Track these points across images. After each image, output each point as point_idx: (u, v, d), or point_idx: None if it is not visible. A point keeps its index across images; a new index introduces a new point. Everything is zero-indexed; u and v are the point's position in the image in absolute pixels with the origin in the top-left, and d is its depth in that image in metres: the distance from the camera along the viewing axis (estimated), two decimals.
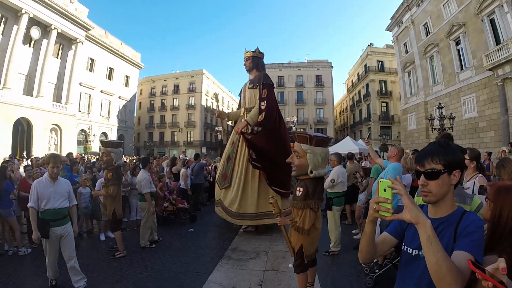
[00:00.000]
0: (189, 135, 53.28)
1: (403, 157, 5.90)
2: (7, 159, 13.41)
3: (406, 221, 1.37)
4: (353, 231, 7.61)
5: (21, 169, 9.98)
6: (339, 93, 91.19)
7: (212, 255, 5.95)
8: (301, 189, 3.42)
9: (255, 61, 7.74)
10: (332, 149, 24.40)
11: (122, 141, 32.74)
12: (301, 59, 61.47)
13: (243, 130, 7.16)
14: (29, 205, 4.36)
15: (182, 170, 10.49)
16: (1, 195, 6.18)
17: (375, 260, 4.63)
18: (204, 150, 46.34)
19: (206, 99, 54.47)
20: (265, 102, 7.16)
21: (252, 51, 7.77)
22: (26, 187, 6.40)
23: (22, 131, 28.84)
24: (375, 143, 32.39)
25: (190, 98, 53.37)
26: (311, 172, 3.35)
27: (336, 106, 59.96)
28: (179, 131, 53.40)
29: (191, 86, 53.76)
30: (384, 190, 1.39)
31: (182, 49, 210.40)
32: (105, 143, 6.55)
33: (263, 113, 7.07)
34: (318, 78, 51.87)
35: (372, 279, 4.48)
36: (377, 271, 4.63)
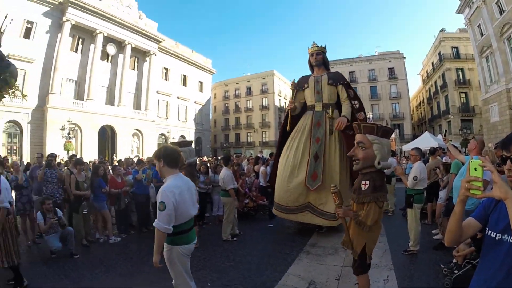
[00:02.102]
0: (264, 135, 53.36)
1: (484, 150, 5.40)
2: (97, 161, 15.14)
3: (496, 198, 1.42)
4: (433, 231, 6.93)
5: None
6: (414, 85, 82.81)
7: (291, 249, 5.96)
8: (367, 182, 3.19)
9: (325, 57, 7.67)
10: (411, 145, 22.48)
11: (192, 140, 33.59)
12: (371, 52, 57.83)
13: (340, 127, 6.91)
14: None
15: (262, 168, 10.57)
16: (95, 191, 7.01)
17: (454, 261, 4.41)
18: None
19: (279, 99, 54.21)
20: (357, 102, 7.22)
21: (323, 47, 7.65)
22: (115, 184, 7.46)
23: (107, 137, 32.10)
24: (455, 138, 28.88)
25: (263, 99, 53.59)
26: (379, 163, 3.15)
27: (412, 99, 54.43)
28: (254, 131, 53.82)
29: (263, 87, 53.97)
30: (475, 169, 1.40)
31: (251, 52, 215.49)
32: (178, 144, 6.88)
33: (361, 113, 7.15)
34: (391, 70, 47.37)
35: (450, 280, 4.18)
36: (456, 271, 4.27)
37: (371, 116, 38.40)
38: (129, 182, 7.94)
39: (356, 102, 7.17)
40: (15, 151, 25.90)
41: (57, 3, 27.69)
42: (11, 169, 7.51)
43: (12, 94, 2.68)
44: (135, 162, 10.87)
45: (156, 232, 2.84)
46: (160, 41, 37.02)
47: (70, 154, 17.48)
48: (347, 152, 6.28)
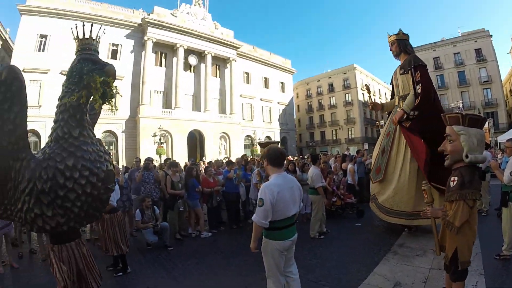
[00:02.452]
0: (349, 132, 51.06)
1: None
2: (190, 163, 16.34)
3: None
4: None
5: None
6: (504, 67, 67.03)
7: (378, 249, 5.88)
8: (456, 178, 2.95)
9: (401, 44, 6.99)
10: (506, 136, 19.20)
11: (278, 141, 35.15)
12: (454, 33, 51.69)
13: (399, 119, 6.58)
14: None
15: (349, 166, 10.49)
16: (189, 190, 7.73)
17: None
18: (366, 146, 42.98)
19: (363, 94, 50.85)
20: (421, 85, 6.46)
21: (395, 34, 7.11)
22: (208, 184, 8.08)
23: (195, 141, 34.04)
24: None
25: (346, 95, 51.34)
26: (467, 156, 2.86)
27: (504, 83, 45.45)
28: (340, 128, 51.85)
29: (345, 82, 51.76)
30: None
31: (329, 48, 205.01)
32: (265, 144, 7.44)
33: (419, 97, 6.39)
34: (478, 52, 40.63)
35: None
36: None
37: (461, 105, 34.09)
38: (220, 182, 8.44)
39: (419, 86, 6.38)
40: (112, 157, 29.19)
41: (136, 25, 31.12)
42: None
43: (110, 98, 2.89)
44: (225, 163, 11.41)
45: (254, 224, 3.12)
46: (238, 47, 38.15)
47: (164, 158, 19.06)
48: (410, 148, 6.27)
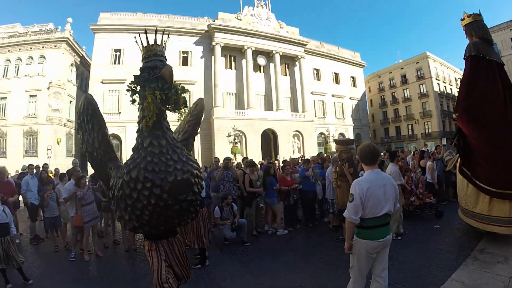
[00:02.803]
0: (426, 126, 46.24)
1: None
2: (266, 162, 16.08)
3: None
4: None
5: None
6: None
7: (457, 253, 5.56)
8: None
9: (470, 28, 6.13)
10: None
11: (353, 139, 31.94)
12: None
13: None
14: None
15: (429, 163, 9.84)
16: (267, 188, 7.86)
17: None
18: (444, 141, 39.03)
19: (438, 84, 46.13)
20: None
21: (461, 20, 6.34)
22: (285, 182, 8.13)
23: (269, 139, 33.71)
24: None
25: (421, 86, 46.63)
26: None
27: None
28: (415, 123, 47.24)
29: (418, 73, 47.09)
30: None
31: (399, 37, 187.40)
32: (341, 142, 7.14)
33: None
34: None
35: None
36: None
37: None
38: (297, 180, 8.40)
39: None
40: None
41: (203, 32, 32.29)
42: None
43: (183, 106, 2.98)
44: (301, 161, 11.40)
45: (346, 221, 3.15)
46: (305, 44, 37.08)
47: (238, 157, 19.23)
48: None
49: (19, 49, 31.36)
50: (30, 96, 30.26)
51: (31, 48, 31.28)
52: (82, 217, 6.19)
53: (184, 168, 2.83)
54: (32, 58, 31.12)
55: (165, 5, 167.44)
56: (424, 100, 46.46)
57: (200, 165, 4.21)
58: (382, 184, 3.07)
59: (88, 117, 3.05)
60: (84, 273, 5.60)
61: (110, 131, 3.07)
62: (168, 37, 3.27)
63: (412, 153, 13.18)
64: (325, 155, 20.80)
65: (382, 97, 53.46)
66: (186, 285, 3.71)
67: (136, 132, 3.02)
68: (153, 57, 2.94)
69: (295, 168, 9.41)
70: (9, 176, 9.12)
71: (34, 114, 29.88)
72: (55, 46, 31.48)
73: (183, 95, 2.96)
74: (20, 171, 12.27)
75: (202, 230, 5.43)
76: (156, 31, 3.04)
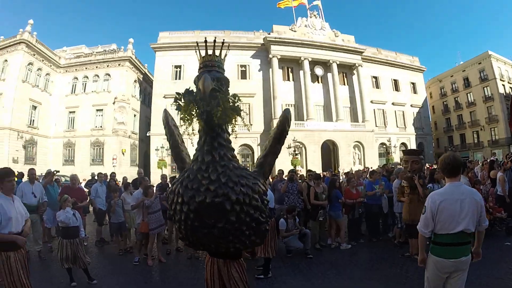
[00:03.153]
0: (492, 133, 41.67)
1: None
2: (328, 174, 15.55)
3: None
4: None
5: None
6: None
7: None
8: None
9: None
10: None
11: (421, 150, 30.50)
12: None
13: None
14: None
15: (499, 174, 8.87)
16: (332, 201, 7.72)
17: None
18: None
19: (503, 85, 41.63)
20: None
21: None
22: (350, 195, 7.95)
23: (329, 150, 32.81)
24: None
25: (485, 88, 42.38)
26: None
27: None
28: (481, 129, 42.85)
29: (481, 74, 42.91)
30: None
31: (459, 37, 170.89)
32: (411, 152, 7.21)
33: None
34: None
35: None
36: None
37: None
38: (362, 193, 8.23)
39: None
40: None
41: (260, 45, 32.62)
42: None
43: (236, 113, 2.72)
44: (364, 172, 11.05)
45: (418, 234, 3.02)
46: (361, 52, 35.69)
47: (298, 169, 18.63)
48: None
49: (85, 68, 34.36)
50: (97, 110, 32.87)
51: (96, 67, 33.96)
52: (149, 224, 6.45)
53: (219, 191, 2.41)
54: (98, 75, 33.73)
55: (220, 22, 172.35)
56: (489, 104, 42.20)
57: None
58: (460, 199, 2.80)
59: (165, 127, 3.44)
60: (147, 277, 5.78)
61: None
62: (228, 48, 3.28)
63: (480, 163, 12.65)
64: (391, 167, 19.68)
65: (445, 102, 49.63)
66: None
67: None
68: (203, 68, 2.74)
69: (359, 181, 9.29)
70: (81, 183, 10.07)
71: (101, 127, 32.42)
72: (119, 65, 33.68)
73: (226, 106, 2.55)
74: (87, 179, 13.62)
75: (269, 240, 5.34)
76: (215, 40, 2.84)
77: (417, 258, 5.86)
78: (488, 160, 11.89)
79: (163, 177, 9.61)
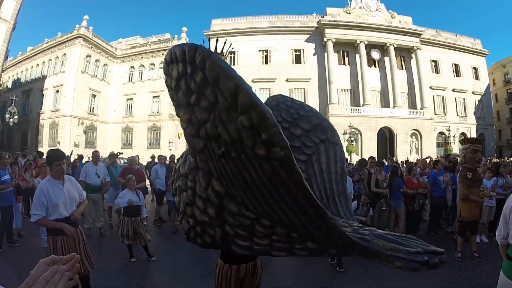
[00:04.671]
0: None
1: None
2: (389, 162, 14.45)
3: None
4: None
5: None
6: None
7: None
8: None
9: None
10: None
11: (482, 139, 26.47)
12: None
13: None
14: None
15: None
16: (393, 190, 7.31)
17: None
18: None
19: None
20: None
21: None
22: (412, 185, 7.51)
23: (385, 138, 31.18)
24: None
25: None
26: None
27: None
28: None
29: None
30: None
31: None
32: (475, 140, 6.17)
33: None
34: None
35: None
36: None
37: None
38: (424, 184, 7.85)
39: None
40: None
41: (314, 28, 31.56)
42: None
43: None
44: (432, 163, 10.45)
45: None
46: (419, 34, 33.23)
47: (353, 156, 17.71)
48: None
49: (141, 57, 35.42)
50: (154, 96, 33.97)
51: (152, 56, 34.80)
52: None
53: None
54: (153, 64, 34.56)
55: (271, 6, 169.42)
56: None
57: None
58: None
59: None
60: (202, 252, 5.39)
61: None
62: (233, 50, 2.69)
63: None
64: (457, 157, 18.16)
65: (509, 90, 44.28)
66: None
67: None
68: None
69: (425, 171, 8.81)
70: (139, 165, 10.44)
71: (158, 112, 33.56)
72: None
73: None
74: (144, 162, 14.66)
75: None
76: (225, 42, 2.65)
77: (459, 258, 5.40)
78: None
79: None
